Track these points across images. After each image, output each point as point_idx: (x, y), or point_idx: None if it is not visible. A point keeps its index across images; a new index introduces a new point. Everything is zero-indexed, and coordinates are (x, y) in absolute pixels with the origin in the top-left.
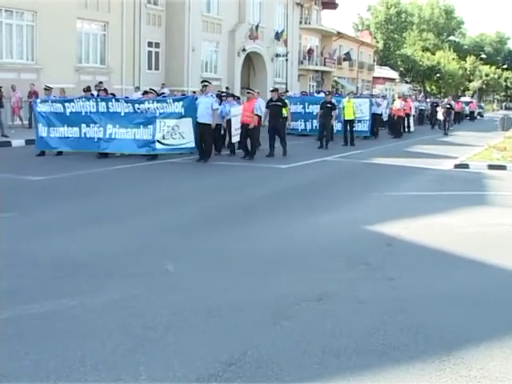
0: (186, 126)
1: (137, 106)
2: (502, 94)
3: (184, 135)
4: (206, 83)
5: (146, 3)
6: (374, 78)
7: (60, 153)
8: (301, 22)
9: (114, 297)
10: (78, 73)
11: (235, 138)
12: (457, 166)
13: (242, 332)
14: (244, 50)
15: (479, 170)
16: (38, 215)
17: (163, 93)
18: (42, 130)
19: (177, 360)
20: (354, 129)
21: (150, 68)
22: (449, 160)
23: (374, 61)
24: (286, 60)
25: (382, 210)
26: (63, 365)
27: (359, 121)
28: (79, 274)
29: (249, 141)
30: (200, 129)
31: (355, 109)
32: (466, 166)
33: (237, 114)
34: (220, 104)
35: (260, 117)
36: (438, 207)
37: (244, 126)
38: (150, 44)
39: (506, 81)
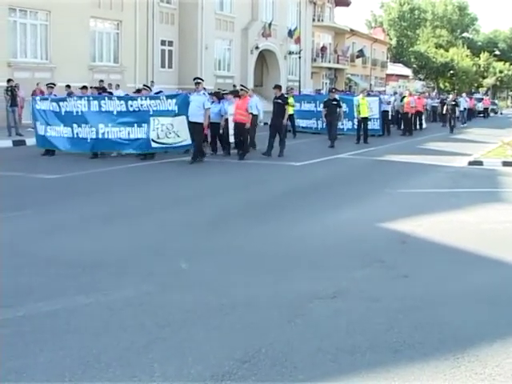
0: (181, 124)
1: (130, 103)
2: None
3: (179, 133)
4: (199, 80)
5: (159, 2)
6: (387, 75)
7: (49, 152)
8: (314, 20)
9: (128, 294)
10: (92, 71)
11: (232, 138)
12: (471, 163)
13: (255, 329)
14: (257, 47)
15: (493, 166)
16: (52, 213)
17: (161, 91)
18: (41, 129)
19: (191, 357)
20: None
21: (163, 66)
22: (462, 157)
23: (387, 58)
24: (299, 57)
25: (395, 207)
26: (78, 362)
27: (369, 119)
28: (93, 272)
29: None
30: (191, 128)
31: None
32: (480, 162)
33: (232, 112)
34: (219, 102)
35: (254, 116)
36: (452, 204)
37: (237, 125)
38: (163, 42)
39: None
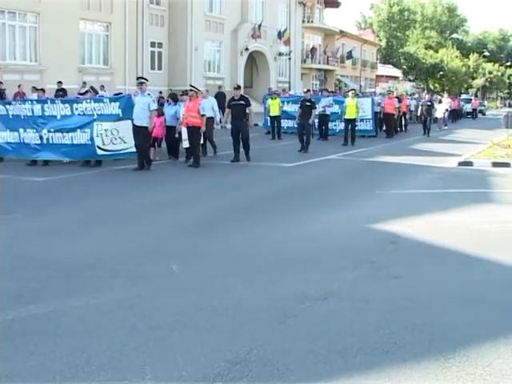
0: (127, 129)
1: (75, 106)
2: (506, 91)
3: (125, 139)
4: (143, 80)
5: (148, 3)
6: (377, 76)
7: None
8: (303, 21)
9: (119, 297)
10: (82, 73)
11: (186, 143)
12: (461, 164)
13: (247, 331)
14: (247, 49)
15: (483, 167)
16: (43, 216)
17: (120, 93)
18: None
19: (182, 359)
20: (357, 128)
21: (153, 68)
22: (452, 158)
23: (376, 59)
24: (289, 59)
25: (386, 207)
26: (68, 365)
27: (361, 120)
28: (84, 275)
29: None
30: (136, 132)
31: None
32: (470, 163)
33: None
34: (175, 104)
35: (209, 118)
36: (443, 205)
37: (189, 129)
38: (152, 44)
39: (509, 78)
